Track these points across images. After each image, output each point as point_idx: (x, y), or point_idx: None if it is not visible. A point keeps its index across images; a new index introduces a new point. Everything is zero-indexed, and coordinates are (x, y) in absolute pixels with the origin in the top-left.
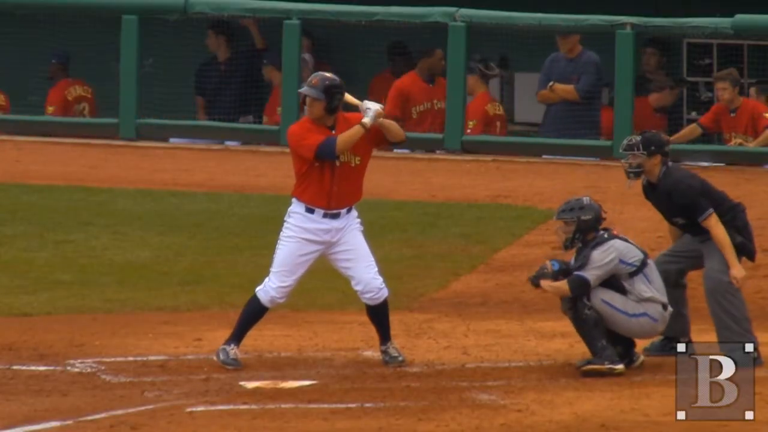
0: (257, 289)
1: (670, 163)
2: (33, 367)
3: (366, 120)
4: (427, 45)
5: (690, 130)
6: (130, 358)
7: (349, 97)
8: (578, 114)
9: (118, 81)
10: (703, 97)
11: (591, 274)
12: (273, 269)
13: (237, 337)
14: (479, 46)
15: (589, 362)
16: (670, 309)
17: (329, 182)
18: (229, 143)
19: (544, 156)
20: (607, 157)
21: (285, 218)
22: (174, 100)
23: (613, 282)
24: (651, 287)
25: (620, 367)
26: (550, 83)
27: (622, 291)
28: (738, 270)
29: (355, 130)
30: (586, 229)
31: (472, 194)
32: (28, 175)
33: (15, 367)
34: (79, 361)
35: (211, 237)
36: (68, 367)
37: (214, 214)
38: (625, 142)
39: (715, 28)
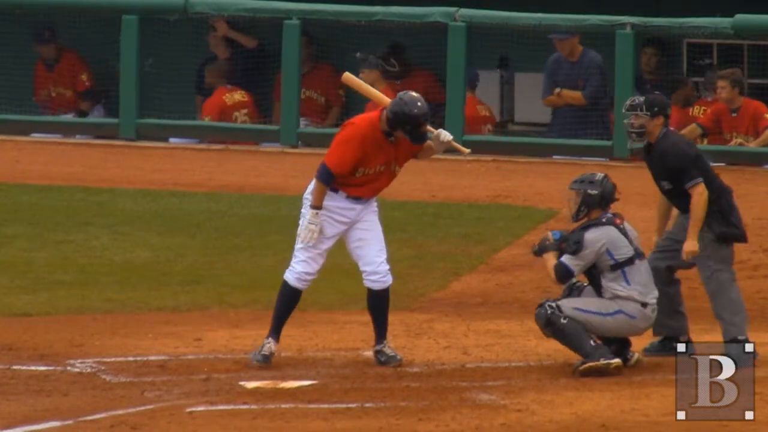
0: (285, 274)
1: (671, 129)
2: (33, 367)
3: (442, 137)
4: (427, 45)
5: (689, 130)
6: (130, 358)
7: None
8: (586, 116)
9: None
10: (703, 97)
11: (576, 264)
12: (296, 246)
13: (275, 329)
14: (479, 46)
15: (584, 362)
16: (654, 307)
17: (369, 179)
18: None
19: (554, 156)
20: (608, 156)
21: (305, 195)
22: (174, 100)
23: (593, 274)
24: (629, 286)
25: (616, 361)
26: (557, 90)
27: (598, 285)
28: (692, 245)
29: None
30: (591, 203)
31: (472, 194)
32: (28, 175)
33: (15, 367)
34: (79, 361)
35: (211, 237)
36: (68, 367)
37: (214, 214)
38: (628, 102)
39: (715, 28)
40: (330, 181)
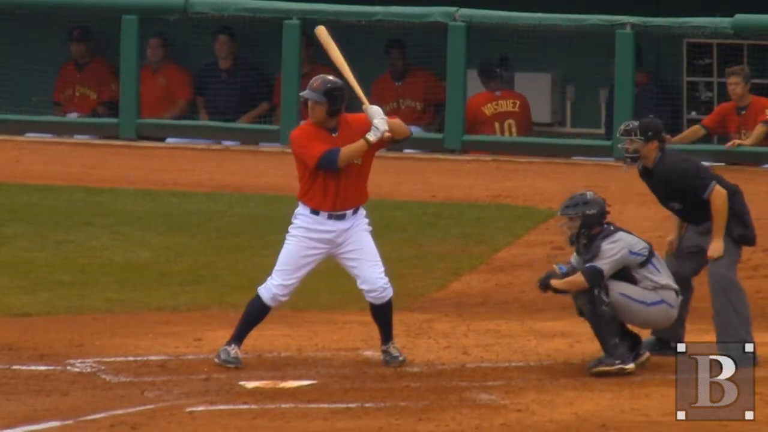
0: (259, 287)
1: (666, 147)
2: (33, 367)
3: (371, 137)
4: (427, 45)
5: (693, 131)
6: (130, 358)
7: (355, 87)
8: None
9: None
10: (704, 97)
11: (603, 263)
12: (276, 267)
13: (238, 337)
14: (479, 46)
15: (599, 362)
16: (680, 296)
17: (333, 184)
18: (228, 143)
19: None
20: (608, 156)
21: (292, 218)
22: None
23: (624, 274)
24: (661, 274)
25: (631, 366)
26: None
27: (634, 282)
28: (719, 246)
29: (359, 145)
30: (591, 223)
31: (472, 194)
32: (28, 175)
33: (15, 367)
34: (79, 361)
35: (211, 237)
36: (68, 367)
37: (214, 214)
38: (622, 127)
39: (715, 28)
40: (336, 158)
